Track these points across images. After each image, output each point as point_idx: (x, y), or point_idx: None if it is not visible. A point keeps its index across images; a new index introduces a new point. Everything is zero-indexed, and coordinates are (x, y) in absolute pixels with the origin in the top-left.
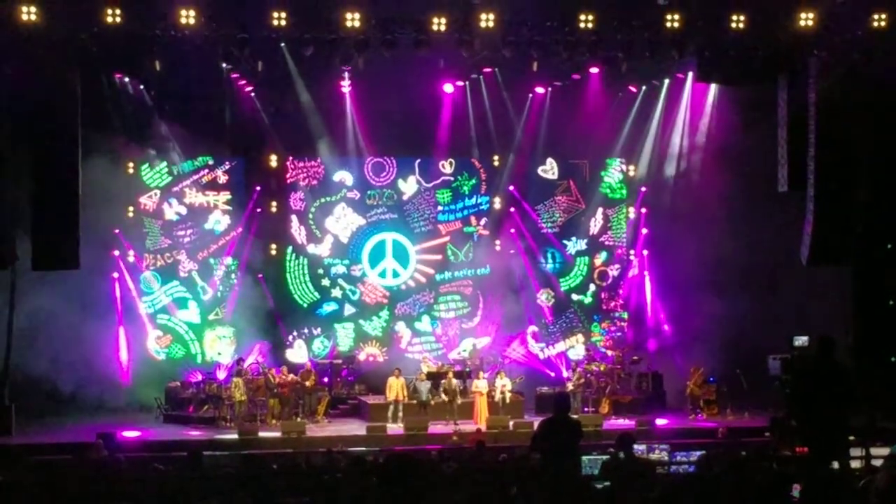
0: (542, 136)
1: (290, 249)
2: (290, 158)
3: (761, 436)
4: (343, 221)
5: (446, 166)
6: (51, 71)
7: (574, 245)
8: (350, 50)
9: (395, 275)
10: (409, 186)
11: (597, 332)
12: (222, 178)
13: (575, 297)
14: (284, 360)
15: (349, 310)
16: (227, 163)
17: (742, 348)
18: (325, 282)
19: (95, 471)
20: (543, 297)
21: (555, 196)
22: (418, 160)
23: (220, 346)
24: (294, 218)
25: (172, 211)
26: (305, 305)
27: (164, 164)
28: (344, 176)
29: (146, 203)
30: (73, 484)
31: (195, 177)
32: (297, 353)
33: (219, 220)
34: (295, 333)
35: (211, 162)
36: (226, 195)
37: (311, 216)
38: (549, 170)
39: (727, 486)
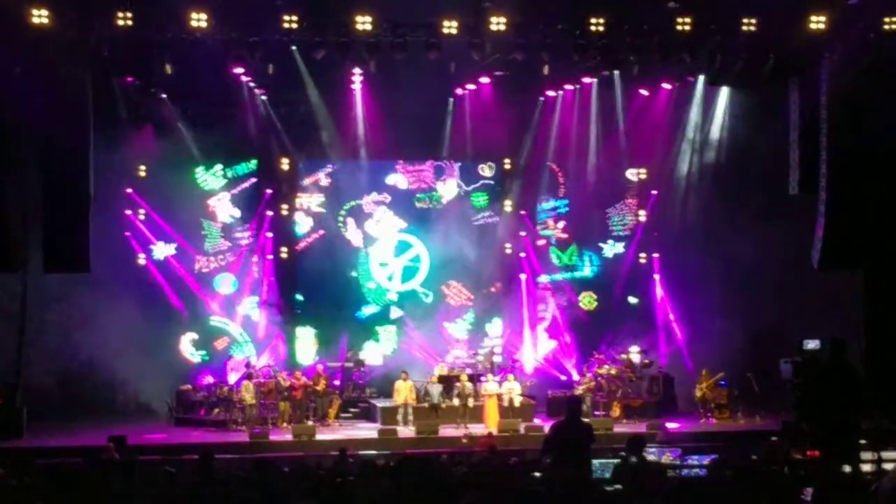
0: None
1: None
2: (333, 162)
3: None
4: (382, 225)
5: (485, 170)
6: (62, 73)
7: (612, 248)
8: (361, 53)
9: (390, 278)
10: (448, 189)
11: None
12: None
13: None
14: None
15: (396, 313)
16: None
17: (753, 352)
18: (371, 284)
19: (106, 474)
20: (585, 301)
21: (625, 199)
22: (459, 164)
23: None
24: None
25: (227, 213)
26: (354, 308)
27: (220, 166)
28: (377, 179)
29: (213, 205)
30: (84, 487)
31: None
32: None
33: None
34: (345, 337)
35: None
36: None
37: (339, 218)
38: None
39: (738, 490)
